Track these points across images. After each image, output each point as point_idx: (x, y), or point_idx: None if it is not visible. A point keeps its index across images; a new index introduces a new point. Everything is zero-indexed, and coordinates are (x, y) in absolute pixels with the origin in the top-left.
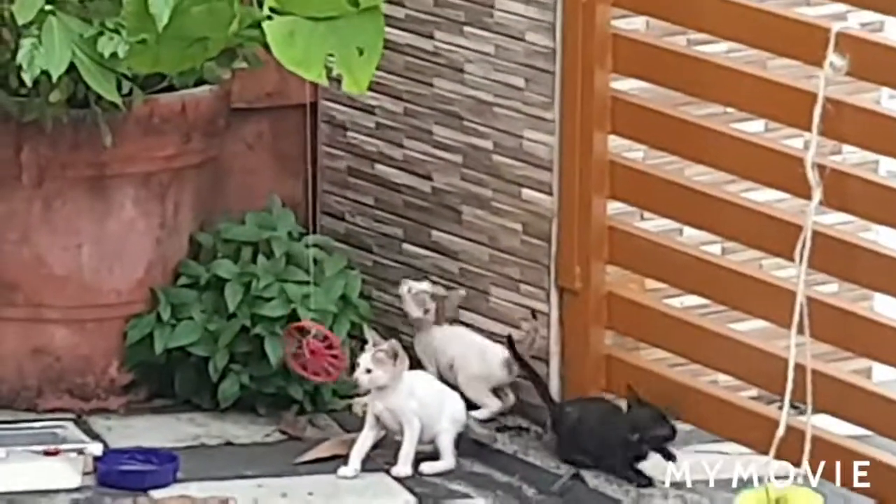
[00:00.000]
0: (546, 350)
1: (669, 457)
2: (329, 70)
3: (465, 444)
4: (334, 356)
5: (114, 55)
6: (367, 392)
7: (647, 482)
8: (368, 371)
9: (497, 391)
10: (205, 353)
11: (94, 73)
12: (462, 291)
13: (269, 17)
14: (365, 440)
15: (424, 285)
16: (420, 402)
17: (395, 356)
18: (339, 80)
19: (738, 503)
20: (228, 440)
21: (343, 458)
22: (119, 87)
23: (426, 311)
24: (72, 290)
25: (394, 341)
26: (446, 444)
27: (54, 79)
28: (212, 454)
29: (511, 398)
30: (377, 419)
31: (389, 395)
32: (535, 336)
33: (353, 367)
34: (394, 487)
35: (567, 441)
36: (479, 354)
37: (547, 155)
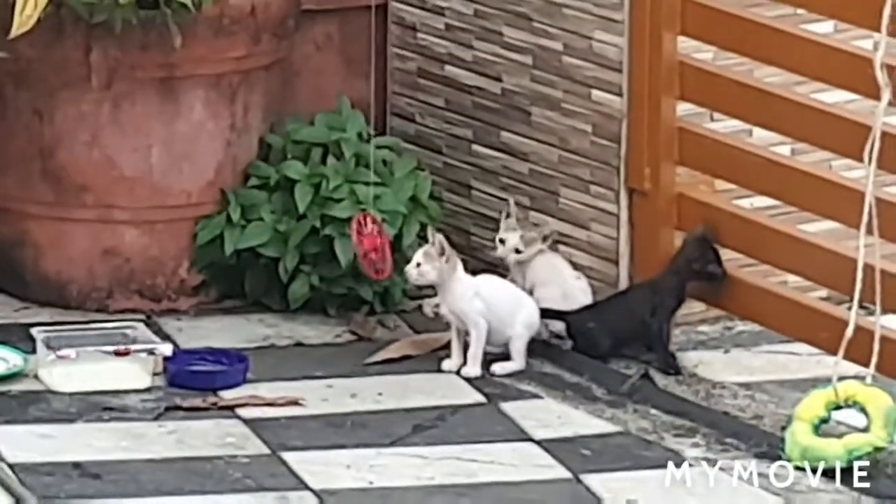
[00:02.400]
0: (616, 251)
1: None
2: None
3: (536, 344)
4: (382, 256)
5: None
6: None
7: (676, 371)
8: (418, 265)
9: None
10: (275, 253)
11: None
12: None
13: None
14: (457, 335)
15: (515, 238)
16: (488, 305)
17: (441, 252)
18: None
19: (806, 403)
20: (298, 341)
21: (414, 359)
22: None
23: (518, 251)
24: (141, 191)
25: (441, 237)
26: (518, 348)
27: None
28: (282, 355)
29: None
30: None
31: (451, 296)
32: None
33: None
34: (463, 387)
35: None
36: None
37: (616, 56)
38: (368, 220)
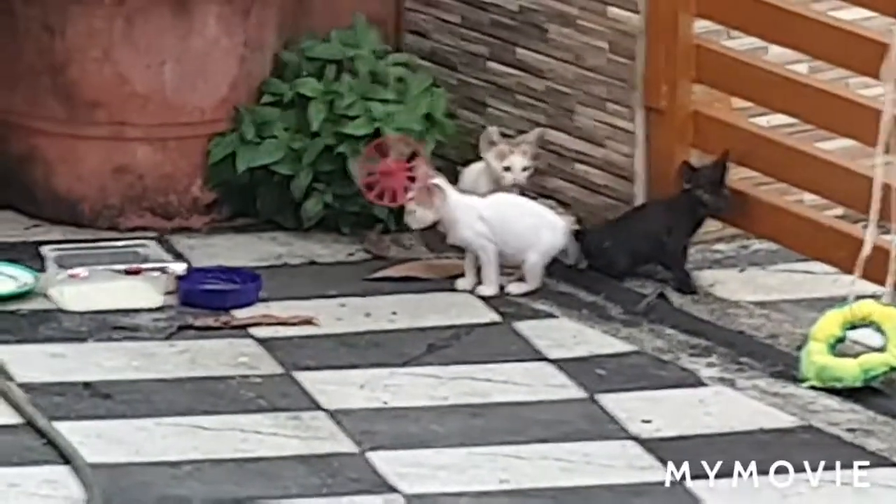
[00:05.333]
0: (632, 169)
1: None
2: None
3: (551, 264)
4: (412, 178)
5: None
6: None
7: (692, 290)
8: (413, 212)
9: None
10: (288, 171)
11: None
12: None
13: None
14: (470, 255)
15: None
16: (492, 227)
17: (428, 192)
18: None
19: (822, 322)
20: (311, 259)
21: (419, 281)
22: None
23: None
24: (154, 108)
25: (431, 176)
26: (533, 270)
27: None
28: (294, 273)
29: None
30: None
31: (451, 226)
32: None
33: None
34: (479, 307)
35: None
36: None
37: None
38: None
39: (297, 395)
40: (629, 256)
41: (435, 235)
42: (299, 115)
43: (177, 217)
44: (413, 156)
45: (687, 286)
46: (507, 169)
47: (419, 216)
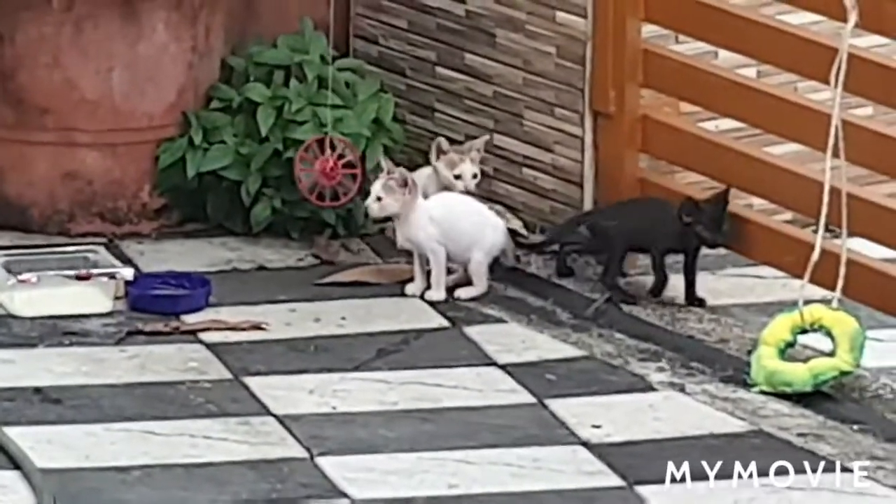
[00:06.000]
0: (580, 174)
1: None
2: None
3: (499, 268)
4: (353, 175)
5: None
6: (386, 219)
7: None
8: (379, 199)
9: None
10: (237, 176)
11: None
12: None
13: None
14: (419, 259)
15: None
16: (442, 228)
17: (404, 184)
18: None
19: (772, 327)
20: (261, 264)
21: (368, 286)
22: None
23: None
24: (103, 113)
25: (403, 170)
26: (477, 271)
27: None
28: (244, 278)
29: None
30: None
31: (405, 224)
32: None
33: (367, 194)
34: (428, 312)
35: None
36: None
37: None
38: (330, 142)
39: (246, 401)
40: (626, 239)
41: (384, 241)
42: (248, 120)
43: (126, 222)
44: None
45: (657, 289)
46: (458, 177)
47: (384, 205)
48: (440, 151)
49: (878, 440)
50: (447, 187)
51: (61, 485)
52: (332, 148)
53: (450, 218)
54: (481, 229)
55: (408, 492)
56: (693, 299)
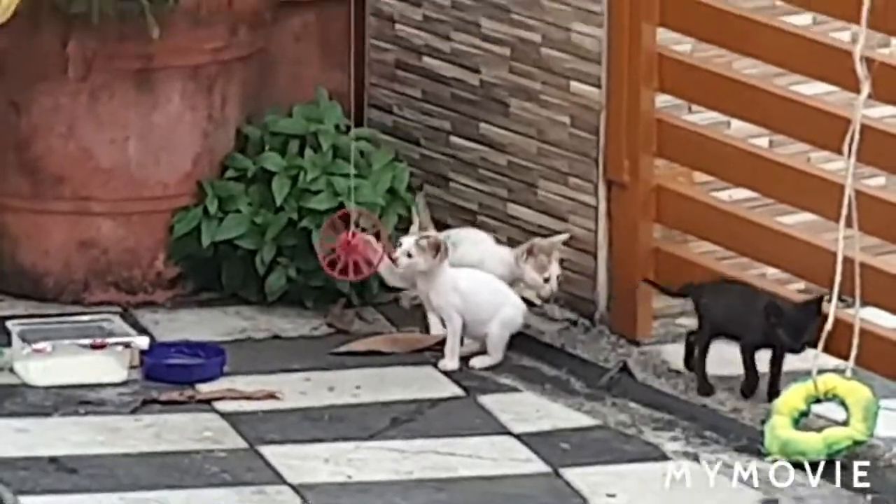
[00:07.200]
0: (594, 243)
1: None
2: None
3: (513, 336)
4: (374, 249)
5: None
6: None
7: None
8: (409, 255)
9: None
10: (252, 246)
11: None
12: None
13: None
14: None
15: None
16: (465, 300)
17: (436, 248)
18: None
19: (786, 396)
20: (275, 334)
21: (383, 355)
22: None
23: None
24: (118, 183)
25: (440, 235)
26: (495, 344)
27: None
28: (259, 348)
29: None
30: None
31: (430, 284)
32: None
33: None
34: (441, 381)
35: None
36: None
37: (595, 47)
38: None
39: (261, 470)
40: (714, 321)
41: (398, 310)
42: (263, 189)
43: (141, 291)
44: (376, 232)
45: (748, 389)
46: (547, 280)
47: (413, 262)
48: (531, 253)
49: None
50: (534, 289)
51: None
52: (357, 224)
53: (473, 291)
54: (500, 307)
55: None
56: (774, 394)
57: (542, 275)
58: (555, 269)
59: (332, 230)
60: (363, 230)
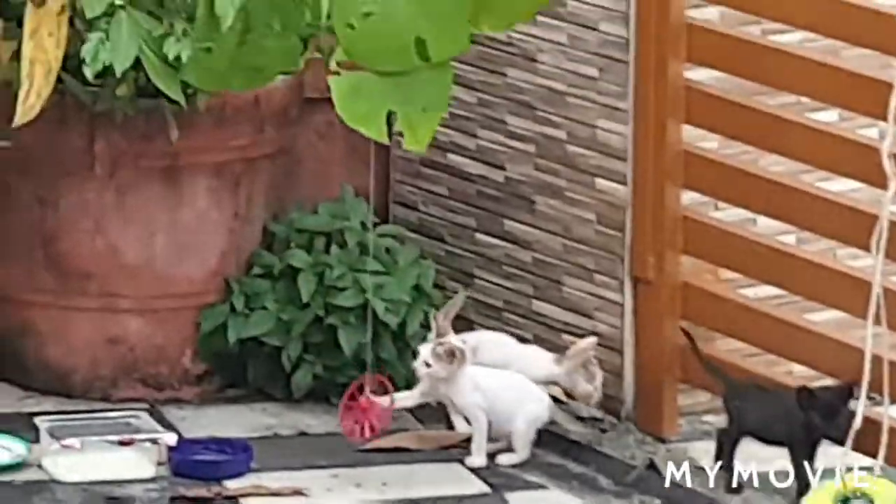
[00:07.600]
0: (620, 340)
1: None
2: (390, 126)
3: (540, 433)
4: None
5: (177, 58)
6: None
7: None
8: (427, 365)
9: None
10: (278, 343)
11: (160, 70)
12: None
13: (337, 73)
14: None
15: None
16: (486, 396)
17: (451, 355)
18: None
19: (814, 494)
20: (302, 430)
21: (411, 451)
22: (186, 84)
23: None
24: (145, 279)
25: (453, 341)
26: (521, 440)
27: (118, 73)
28: (285, 444)
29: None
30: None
31: (453, 389)
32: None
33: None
34: (468, 477)
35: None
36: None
37: (621, 144)
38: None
39: None
40: (745, 425)
41: (424, 407)
42: (289, 286)
43: (168, 388)
44: (385, 392)
45: (799, 493)
46: (596, 388)
47: (432, 371)
48: (584, 366)
49: None
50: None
51: None
52: (373, 390)
53: (495, 388)
54: (524, 403)
55: None
56: (802, 492)
57: (593, 383)
58: (600, 377)
59: (353, 404)
60: (373, 392)
